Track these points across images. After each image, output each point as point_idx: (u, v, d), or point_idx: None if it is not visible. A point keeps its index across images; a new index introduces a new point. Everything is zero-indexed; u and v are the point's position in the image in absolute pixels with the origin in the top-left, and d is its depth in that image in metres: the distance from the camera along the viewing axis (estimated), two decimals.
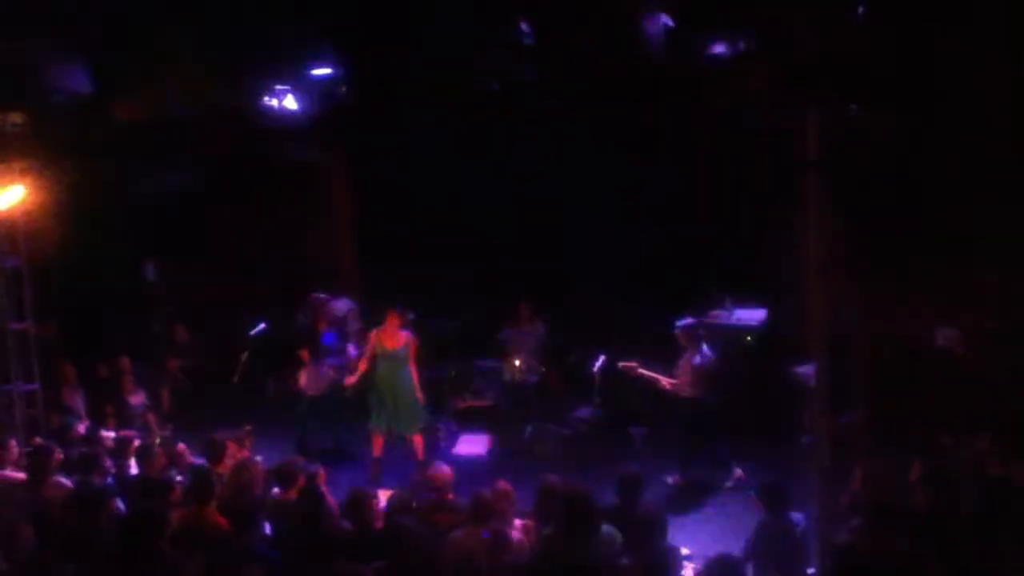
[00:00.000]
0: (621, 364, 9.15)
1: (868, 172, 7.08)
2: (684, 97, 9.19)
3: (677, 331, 8.72)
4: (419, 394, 9.08)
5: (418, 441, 9.16)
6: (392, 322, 9.00)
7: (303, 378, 9.75)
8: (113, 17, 8.62)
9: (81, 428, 8.88)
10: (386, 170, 11.85)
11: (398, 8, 8.55)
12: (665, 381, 8.80)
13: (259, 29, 8.72)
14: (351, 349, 10.07)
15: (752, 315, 10.44)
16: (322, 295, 10.14)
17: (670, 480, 8.67)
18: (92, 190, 10.60)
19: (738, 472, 8.63)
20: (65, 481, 6.96)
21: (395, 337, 8.99)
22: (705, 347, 8.71)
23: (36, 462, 7.16)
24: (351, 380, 9.29)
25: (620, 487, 6.13)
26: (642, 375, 8.94)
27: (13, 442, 7.89)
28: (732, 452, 8.71)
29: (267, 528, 6.16)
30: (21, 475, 7.08)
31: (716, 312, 10.59)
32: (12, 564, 5.61)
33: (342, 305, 11.20)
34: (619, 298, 10.16)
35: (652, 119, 9.85)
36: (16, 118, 9.26)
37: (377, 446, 9.12)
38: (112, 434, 8.55)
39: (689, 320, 8.80)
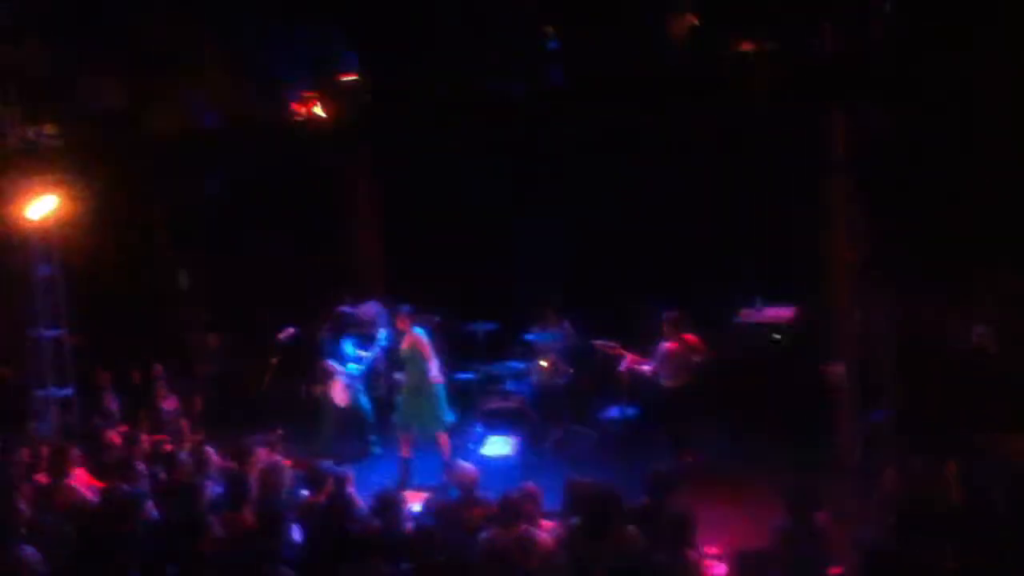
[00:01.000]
0: (598, 343, 9.60)
1: (897, 172, 7.03)
2: (710, 97, 9.15)
3: (663, 319, 9.10)
4: (434, 381, 9.16)
5: (443, 441, 9.23)
6: (400, 324, 9.27)
7: (335, 391, 9.86)
8: (143, 30, 8.74)
9: (116, 433, 9.00)
10: (413, 174, 11.90)
11: (423, 13, 8.58)
12: (630, 360, 9.30)
13: (285, 37, 8.80)
14: (369, 354, 10.11)
15: (781, 314, 10.38)
16: (345, 305, 10.24)
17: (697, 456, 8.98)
18: (124, 199, 10.77)
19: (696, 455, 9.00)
20: (83, 487, 7.07)
21: (405, 339, 9.24)
22: (685, 337, 9.05)
23: (53, 465, 7.27)
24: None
25: (649, 486, 6.13)
26: (620, 355, 9.39)
27: (45, 447, 7.99)
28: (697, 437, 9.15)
29: (296, 531, 6.21)
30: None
31: (745, 310, 10.55)
32: (53, 566, 5.71)
33: (369, 310, 11.26)
34: (648, 299, 10.11)
35: (679, 120, 9.82)
36: (49, 129, 9.44)
37: (405, 447, 9.22)
38: (144, 438, 8.65)
39: (674, 311, 9.14)
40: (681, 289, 10.24)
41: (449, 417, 9.35)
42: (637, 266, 10.83)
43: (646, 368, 9.24)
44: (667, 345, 9.10)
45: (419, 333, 9.22)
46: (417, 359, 9.15)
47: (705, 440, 9.51)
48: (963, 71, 6.98)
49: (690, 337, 9.15)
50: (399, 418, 9.30)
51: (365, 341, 10.19)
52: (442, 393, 9.30)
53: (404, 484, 8.51)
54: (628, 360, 9.39)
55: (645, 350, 9.39)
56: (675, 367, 9.09)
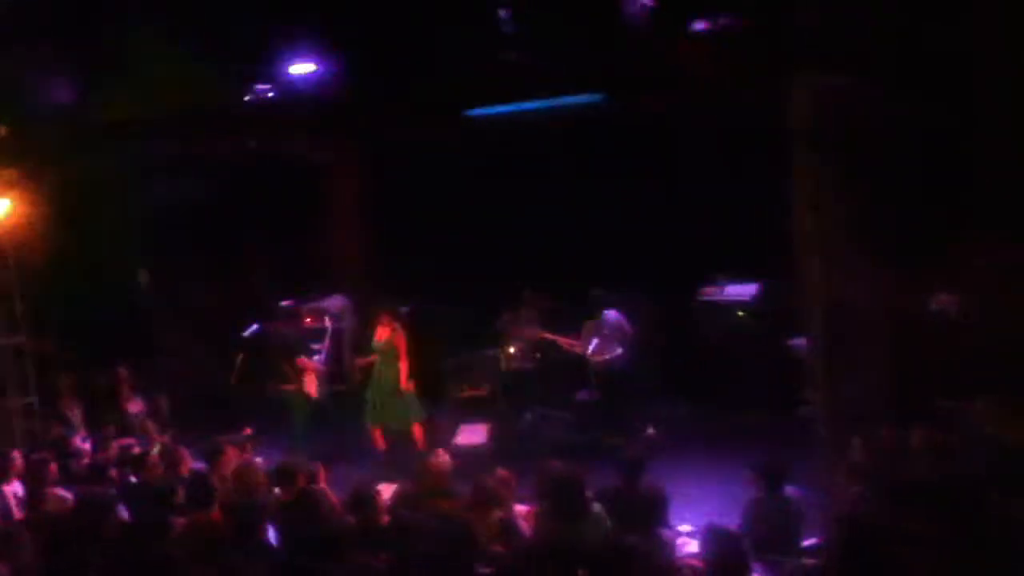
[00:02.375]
0: (526, 331, 10.14)
1: (861, 140, 7.06)
2: (668, 76, 9.15)
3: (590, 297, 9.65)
4: (405, 387, 9.19)
5: (418, 433, 9.20)
6: (379, 317, 9.31)
7: (310, 386, 9.80)
8: (91, 22, 8.54)
9: (79, 439, 8.87)
10: (389, 168, 11.85)
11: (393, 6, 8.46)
12: (568, 344, 9.78)
13: (242, 25, 8.63)
14: (323, 347, 10.08)
15: (744, 290, 10.45)
16: (310, 299, 10.16)
17: (651, 431, 9.29)
18: (82, 199, 10.58)
19: (650, 431, 9.32)
20: (65, 493, 6.96)
21: (380, 331, 9.25)
22: (610, 313, 9.52)
23: (33, 474, 7.16)
24: (363, 362, 9.53)
25: (622, 468, 6.16)
26: (553, 339, 9.91)
27: (16, 454, 7.89)
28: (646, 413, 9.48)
29: (271, 529, 6.15)
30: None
31: (708, 289, 10.61)
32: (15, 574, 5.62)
33: (334, 303, 11.19)
34: (611, 281, 10.13)
35: (637, 97, 9.83)
36: (2, 131, 9.23)
37: (378, 440, 9.21)
38: (113, 443, 8.54)
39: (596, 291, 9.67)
40: (640, 270, 10.29)
41: (421, 410, 9.32)
42: (600, 253, 10.83)
43: (579, 347, 9.67)
44: (591, 322, 9.60)
45: (397, 331, 9.22)
46: (392, 357, 9.11)
47: (672, 417, 9.64)
48: (934, 41, 7.02)
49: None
50: (372, 415, 9.26)
51: (321, 334, 10.16)
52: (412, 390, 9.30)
53: (379, 477, 8.46)
54: (575, 347, 9.76)
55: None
56: (601, 342, 9.56)
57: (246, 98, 9.66)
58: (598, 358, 9.60)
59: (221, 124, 10.38)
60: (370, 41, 8.66)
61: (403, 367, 9.21)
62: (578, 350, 9.73)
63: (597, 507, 5.59)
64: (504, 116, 10.59)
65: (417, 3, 8.15)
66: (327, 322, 10.65)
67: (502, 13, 8.58)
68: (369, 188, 12.51)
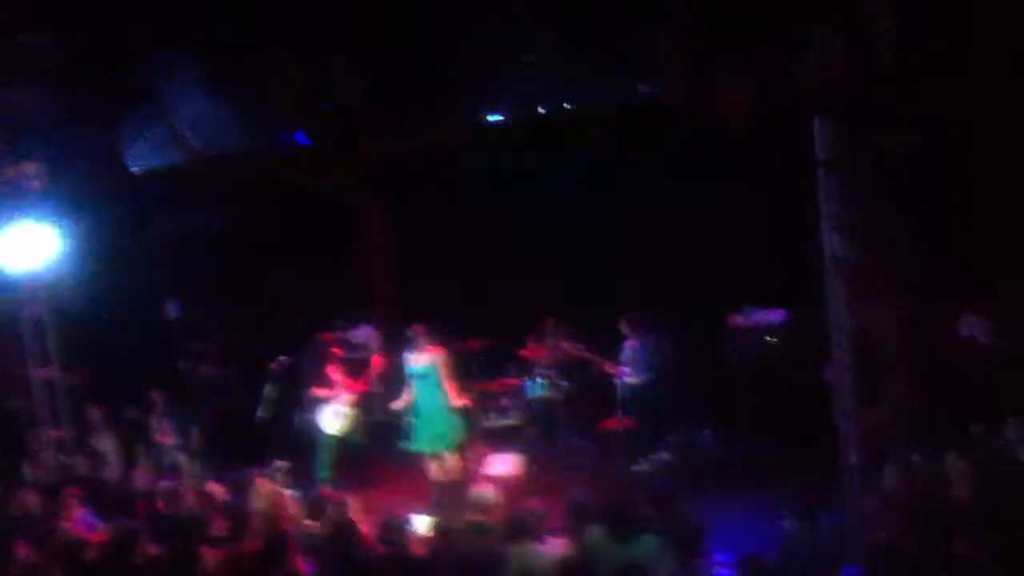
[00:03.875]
0: (566, 345, 10.05)
1: (888, 168, 7.05)
2: (697, 105, 9.18)
3: (622, 320, 9.65)
4: (457, 404, 8.99)
5: (455, 460, 9.14)
6: (423, 342, 8.99)
7: (325, 420, 9.78)
8: (128, 66, 8.73)
9: (111, 471, 8.94)
10: (419, 197, 11.93)
11: (419, 43, 8.57)
12: (604, 365, 9.75)
13: (274, 66, 8.78)
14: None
15: (771, 316, 10.41)
16: (337, 330, 10.18)
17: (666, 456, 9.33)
18: (112, 234, 10.74)
19: (665, 456, 9.35)
20: (95, 525, 7.03)
21: (417, 356, 9.00)
22: (648, 335, 9.58)
23: (58, 504, 7.23)
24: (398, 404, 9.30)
25: (657, 499, 6.13)
26: (585, 358, 9.91)
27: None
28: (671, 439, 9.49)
29: (303, 561, 6.17)
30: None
31: (736, 315, 10.57)
32: None
33: (360, 333, 11.24)
34: (640, 306, 10.13)
35: (669, 130, 9.87)
36: (31, 169, 9.41)
37: (424, 469, 9.12)
38: (143, 475, 8.61)
39: (633, 310, 9.72)
40: (669, 296, 10.28)
41: (461, 436, 9.24)
42: (629, 278, 10.83)
43: (618, 371, 9.68)
44: (631, 343, 9.60)
45: (438, 352, 8.98)
46: (435, 379, 8.94)
47: (701, 444, 9.57)
48: (962, 84, 7.03)
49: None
50: (417, 441, 9.09)
51: (355, 365, 10.15)
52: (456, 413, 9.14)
53: (424, 507, 8.43)
54: (607, 367, 9.79)
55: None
56: (639, 362, 9.61)
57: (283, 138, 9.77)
58: (631, 381, 9.60)
59: (253, 170, 10.52)
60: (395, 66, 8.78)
61: (451, 386, 8.97)
62: (613, 371, 9.72)
63: (650, 536, 5.54)
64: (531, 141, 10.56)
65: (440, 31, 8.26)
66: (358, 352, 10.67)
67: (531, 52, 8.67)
68: (398, 217, 12.58)
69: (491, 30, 8.15)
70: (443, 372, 8.91)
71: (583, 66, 8.41)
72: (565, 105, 9.25)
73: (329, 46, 8.41)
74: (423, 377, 8.94)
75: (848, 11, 6.59)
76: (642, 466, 9.38)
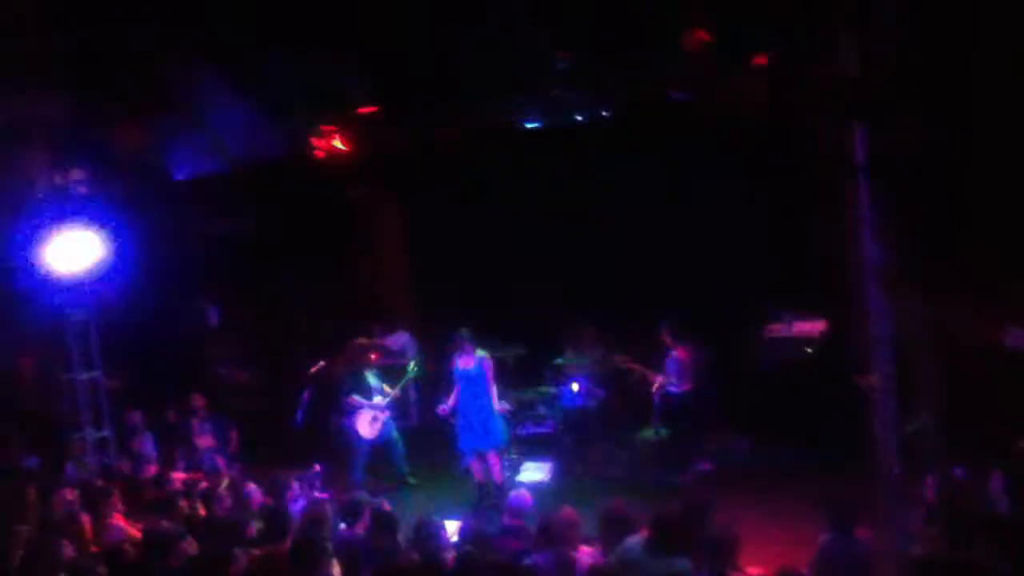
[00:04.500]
0: (617, 358, 10.12)
1: (922, 175, 6.97)
2: (726, 110, 9.14)
3: (665, 329, 9.73)
4: (497, 410, 9.26)
5: (496, 462, 9.25)
6: (457, 345, 9.28)
7: (361, 425, 9.87)
8: (162, 74, 8.88)
9: (151, 473, 9.06)
10: (437, 201, 11.98)
11: (439, 44, 8.61)
12: (651, 376, 9.86)
13: (302, 71, 8.87)
14: (387, 388, 10.14)
15: (811, 327, 10.29)
16: (365, 338, 10.26)
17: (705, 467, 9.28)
18: (153, 240, 10.91)
19: (704, 466, 9.32)
20: (133, 526, 7.13)
21: (463, 359, 9.25)
22: (691, 346, 9.66)
23: (98, 504, 7.34)
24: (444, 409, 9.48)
25: (689, 508, 6.09)
26: (634, 369, 10.00)
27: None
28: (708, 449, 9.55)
29: (335, 566, 6.21)
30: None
31: (774, 325, 10.47)
32: None
33: (398, 339, 11.29)
34: (675, 319, 10.07)
35: (696, 128, 9.82)
36: (78, 175, 9.59)
37: (476, 470, 9.29)
38: (182, 476, 8.72)
39: (672, 320, 9.79)
40: (706, 306, 10.22)
41: (504, 437, 9.39)
42: (664, 288, 10.78)
43: (662, 380, 9.77)
44: (677, 353, 9.68)
45: (484, 356, 9.24)
46: (480, 381, 9.17)
47: (738, 454, 9.53)
48: (987, 81, 6.94)
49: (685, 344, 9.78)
50: (465, 442, 9.30)
51: (391, 371, 10.22)
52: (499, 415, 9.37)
53: (480, 506, 8.62)
54: (654, 379, 9.84)
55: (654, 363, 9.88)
56: (685, 372, 9.68)
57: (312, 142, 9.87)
58: (674, 390, 9.63)
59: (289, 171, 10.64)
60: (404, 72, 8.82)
61: (494, 389, 9.24)
62: (658, 382, 9.77)
63: (682, 560, 5.50)
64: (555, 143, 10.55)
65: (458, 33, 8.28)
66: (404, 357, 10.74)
67: (560, 56, 8.68)
68: (415, 220, 12.65)
69: (516, 33, 8.19)
70: (488, 375, 9.18)
71: (612, 72, 8.39)
72: (601, 113, 9.22)
73: (343, 45, 8.49)
74: (470, 380, 9.17)
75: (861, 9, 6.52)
76: (678, 475, 9.31)
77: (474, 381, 9.17)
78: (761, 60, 8.22)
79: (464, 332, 9.23)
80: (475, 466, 9.31)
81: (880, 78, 6.61)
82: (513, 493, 6.88)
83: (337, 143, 10.38)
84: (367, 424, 9.85)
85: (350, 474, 9.69)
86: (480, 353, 9.21)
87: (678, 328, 9.77)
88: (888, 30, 6.35)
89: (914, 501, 6.30)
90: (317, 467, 8.50)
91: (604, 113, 9.44)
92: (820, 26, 7.11)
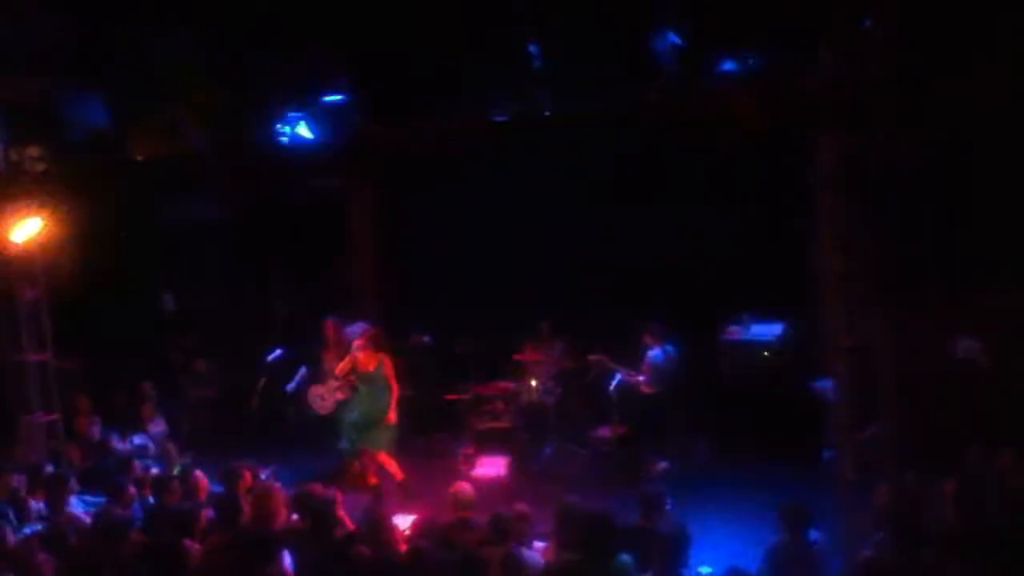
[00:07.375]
0: (591, 357, 10.06)
1: (888, 188, 7.04)
2: (696, 116, 9.19)
3: (646, 330, 9.68)
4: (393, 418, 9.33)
5: (387, 461, 9.32)
6: (367, 343, 9.37)
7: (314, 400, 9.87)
8: (127, 51, 8.71)
9: (100, 459, 8.90)
10: (406, 195, 11.92)
11: (412, 35, 8.54)
12: (620, 371, 9.76)
13: (271, 56, 8.76)
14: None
15: (769, 330, 10.38)
16: (332, 320, 10.17)
17: (663, 466, 9.31)
18: (110, 221, 10.72)
19: (662, 465, 9.31)
20: (81, 514, 7.01)
21: (365, 358, 9.34)
22: (667, 345, 9.62)
23: (53, 491, 7.20)
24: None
25: (643, 505, 6.11)
26: (611, 367, 9.88)
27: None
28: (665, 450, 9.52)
29: (287, 557, 6.13)
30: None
31: (733, 328, 10.55)
32: None
33: (356, 330, 11.19)
34: (635, 317, 10.10)
35: (663, 134, 9.86)
36: (34, 152, 9.38)
37: (391, 469, 9.26)
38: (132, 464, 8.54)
39: (655, 322, 9.72)
40: (664, 307, 10.26)
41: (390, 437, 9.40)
42: (625, 287, 10.81)
43: (640, 379, 9.66)
44: (655, 355, 9.64)
45: (388, 360, 9.34)
46: (383, 384, 9.22)
47: (694, 456, 9.56)
48: (959, 95, 7.01)
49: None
50: (363, 440, 9.36)
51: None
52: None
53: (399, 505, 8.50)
54: (621, 373, 9.75)
55: (630, 363, 9.79)
56: (661, 375, 9.63)
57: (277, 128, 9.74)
58: (647, 391, 9.64)
59: (248, 162, 10.53)
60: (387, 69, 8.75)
61: (394, 396, 9.30)
62: (632, 379, 9.73)
63: (626, 556, 5.49)
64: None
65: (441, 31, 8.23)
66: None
67: (532, 50, 8.64)
68: (386, 215, 12.59)
69: (500, 30, 8.14)
70: (389, 379, 9.33)
71: (589, 70, 8.36)
72: (568, 108, 9.20)
73: (326, 38, 8.40)
74: (371, 380, 9.30)
75: (849, 19, 6.58)
76: (634, 473, 9.34)
77: (375, 382, 9.28)
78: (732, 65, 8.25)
79: (374, 332, 9.46)
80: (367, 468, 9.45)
81: (858, 90, 6.69)
82: (456, 484, 6.84)
83: (303, 130, 10.25)
84: (322, 401, 9.80)
85: (304, 463, 9.62)
86: (382, 355, 9.32)
87: (662, 330, 9.72)
88: (870, 43, 6.41)
89: (866, 506, 6.36)
90: (271, 467, 8.42)
91: (576, 111, 9.41)
92: (802, 37, 7.17)
